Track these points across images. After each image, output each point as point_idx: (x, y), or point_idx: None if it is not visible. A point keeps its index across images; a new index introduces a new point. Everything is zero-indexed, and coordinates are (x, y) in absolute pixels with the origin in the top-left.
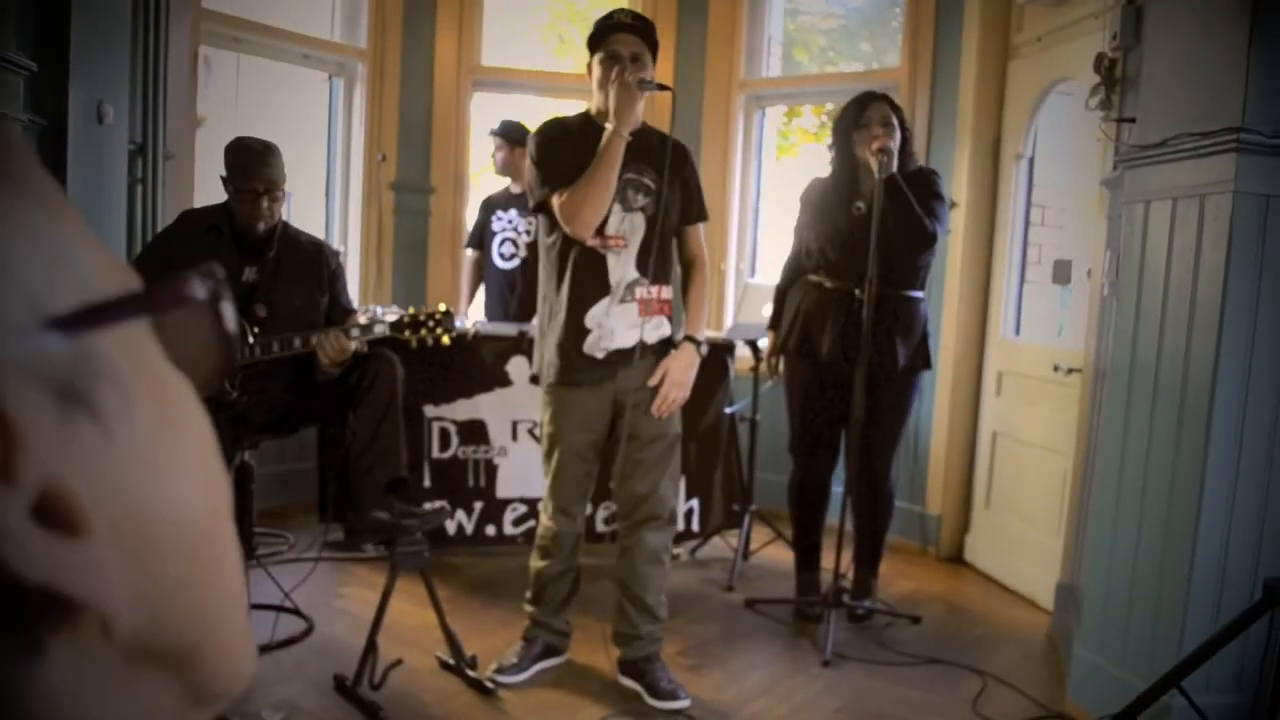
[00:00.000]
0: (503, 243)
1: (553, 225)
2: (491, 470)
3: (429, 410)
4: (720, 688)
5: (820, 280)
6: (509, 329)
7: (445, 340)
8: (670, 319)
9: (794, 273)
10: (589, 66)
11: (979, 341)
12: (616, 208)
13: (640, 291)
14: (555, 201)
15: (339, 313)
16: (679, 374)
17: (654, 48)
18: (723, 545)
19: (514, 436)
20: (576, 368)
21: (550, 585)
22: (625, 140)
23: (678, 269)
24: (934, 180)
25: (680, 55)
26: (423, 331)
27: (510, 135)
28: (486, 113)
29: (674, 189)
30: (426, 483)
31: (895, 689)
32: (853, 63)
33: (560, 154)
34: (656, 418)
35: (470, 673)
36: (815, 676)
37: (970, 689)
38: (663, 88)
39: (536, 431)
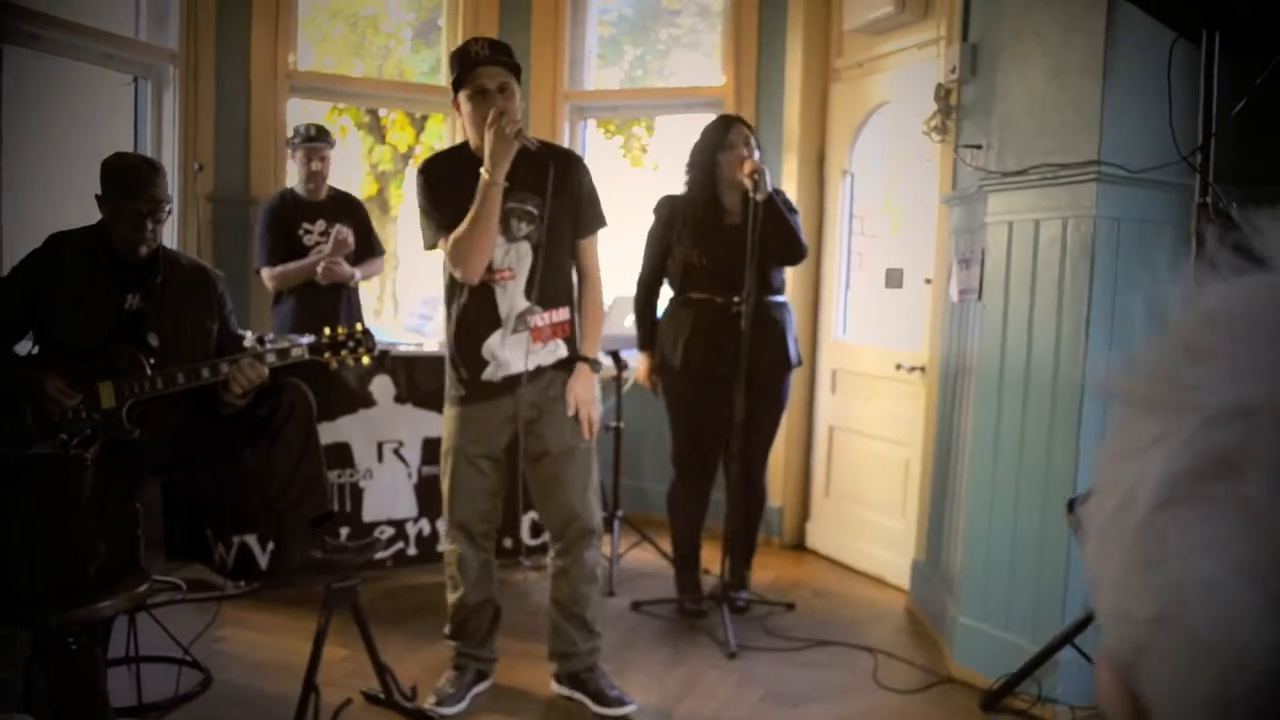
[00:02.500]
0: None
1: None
2: (357, 494)
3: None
4: (647, 690)
5: (696, 296)
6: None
7: (366, 360)
8: (570, 338)
9: (654, 291)
10: (456, 101)
11: (812, 343)
12: (500, 240)
13: (533, 320)
14: (444, 247)
15: (230, 339)
16: (585, 394)
17: (516, 73)
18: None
19: (379, 458)
20: (478, 393)
21: (470, 619)
22: (502, 187)
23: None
24: (788, 201)
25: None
26: (343, 353)
27: (328, 140)
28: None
29: (563, 206)
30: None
31: (801, 672)
32: (658, 77)
33: (444, 195)
34: (571, 431)
35: (411, 704)
36: (728, 669)
37: (865, 664)
38: (543, 144)
39: (403, 451)
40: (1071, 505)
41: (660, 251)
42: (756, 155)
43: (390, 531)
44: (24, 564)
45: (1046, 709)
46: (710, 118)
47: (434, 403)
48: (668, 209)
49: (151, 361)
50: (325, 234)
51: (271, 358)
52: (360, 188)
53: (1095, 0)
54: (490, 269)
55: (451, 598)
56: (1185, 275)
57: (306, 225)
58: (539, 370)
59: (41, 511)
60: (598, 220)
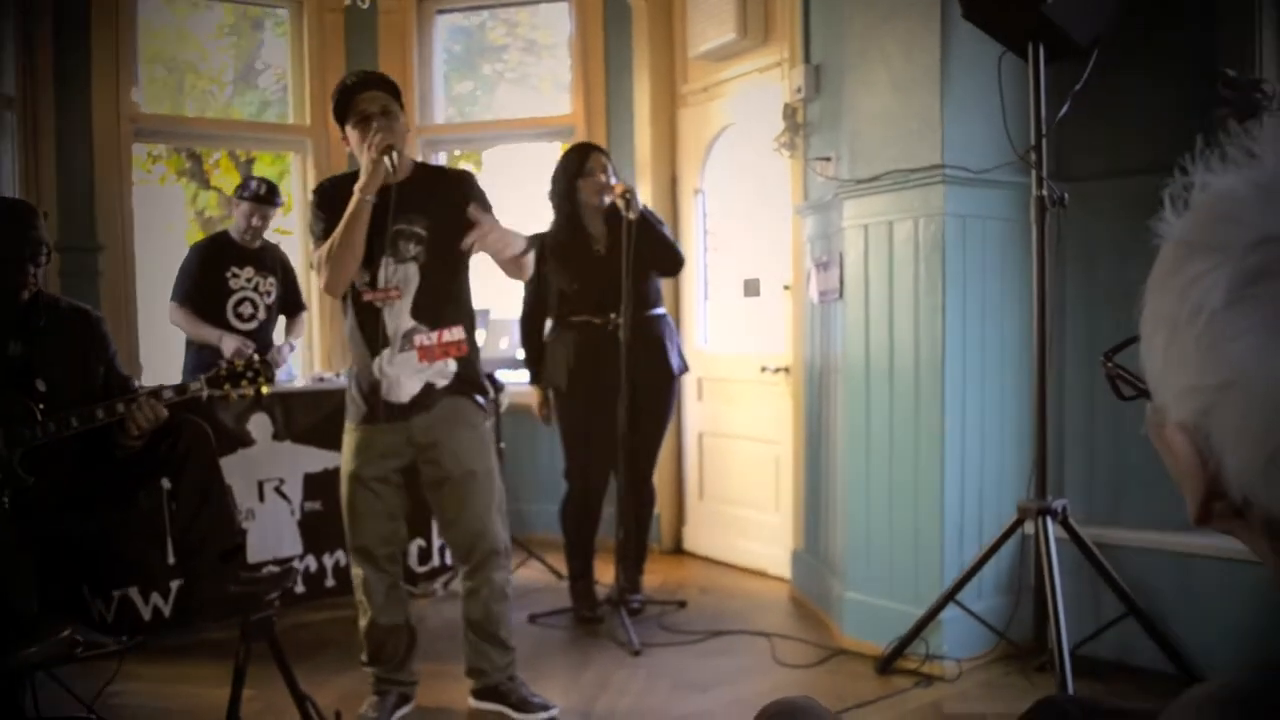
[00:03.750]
0: (240, 302)
1: None
2: (238, 549)
3: (166, 483)
4: (562, 693)
5: (585, 319)
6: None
7: (265, 390)
8: (464, 358)
9: (539, 318)
10: (344, 134)
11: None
12: (388, 260)
13: (419, 339)
14: (315, 253)
15: (118, 380)
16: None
17: (396, 94)
18: None
19: (260, 497)
20: (378, 413)
21: (386, 642)
22: (369, 203)
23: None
24: (653, 215)
25: None
26: (243, 383)
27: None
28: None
29: (452, 226)
30: (170, 559)
31: (704, 661)
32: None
33: (326, 212)
34: (470, 455)
35: None
36: (635, 666)
37: (761, 647)
38: (433, 167)
39: (284, 488)
40: (1108, 355)
41: (536, 286)
42: (614, 180)
43: (276, 571)
44: None
45: (935, 665)
46: (556, 146)
47: (313, 438)
48: (537, 244)
49: (41, 407)
50: (251, 281)
51: (169, 393)
52: (186, 235)
53: (931, 20)
54: (377, 288)
55: (362, 622)
56: (1200, 167)
57: (235, 269)
58: (430, 392)
59: None
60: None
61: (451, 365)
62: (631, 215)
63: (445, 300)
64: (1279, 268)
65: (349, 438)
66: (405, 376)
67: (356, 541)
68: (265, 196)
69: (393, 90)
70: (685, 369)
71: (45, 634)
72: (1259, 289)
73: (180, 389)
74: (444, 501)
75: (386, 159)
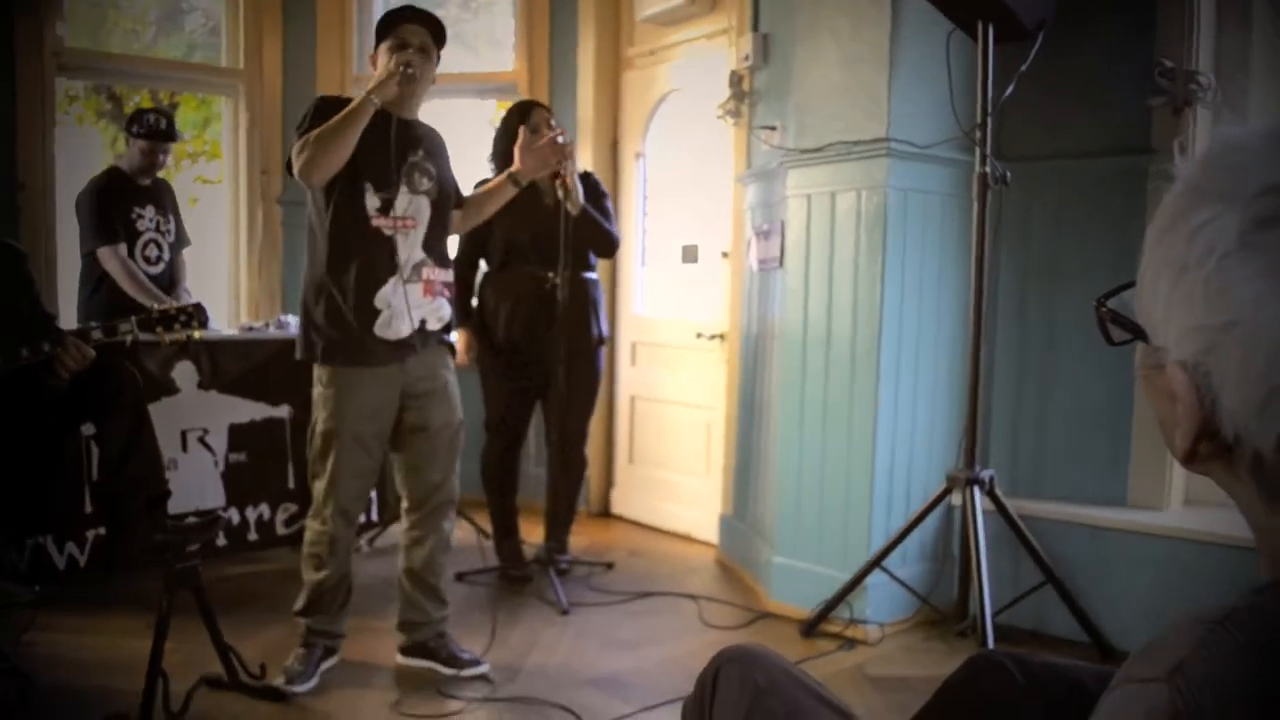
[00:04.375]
0: (147, 244)
1: (333, 205)
2: (163, 496)
3: (86, 428)
4: (491, 651)
5: (521, 269)
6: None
7: (198, 335)
8: (450, 301)
9: (472, 266)
10: (375, 53)
11: (611, 317)
12: (404, 190)
13: (426, 272)
14: (296, 144)
15: (42, 318)
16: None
17: (440, 40)
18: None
19: (184, 447)
20: (366, 348)
21: (324, 597)
22: (374, 105)
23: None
24: (600, 186)
25: (289, 43)
26: (176, 326)
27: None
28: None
29: (448, 172)
30: (88, 508)
31: (632, 620)
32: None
33: (323, 117)
34: (451, 409)
35: (260, 682)
36: (563, 624)
37: (688, 609)
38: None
39: (208, 439)
40: (1101, 301)
41: (477, 233)
42: (562, 138)
43: (202, 519)
44: None
45: (859, 629)
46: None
47: (240, 388)
48: None
49: None
50: (153, 221)
51: (98, 334)
52: None
53: None
54: (392, 215)
55: (314, 577)
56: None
57: (138, 209)
58: (423, 331)
59: None
60: (458, 190)
61: (445, 307)
62: (573, 210)
63: (443, 240)
64: None
65: (331, 389)
66: (408, 309)
67: (340, 503)
68: (166, 131)
69: (439, 34)
70: (604, 337)
71: None
72: (1265, 235)
73: (109, 329)
74: (415, 449)
75: (401, 70)
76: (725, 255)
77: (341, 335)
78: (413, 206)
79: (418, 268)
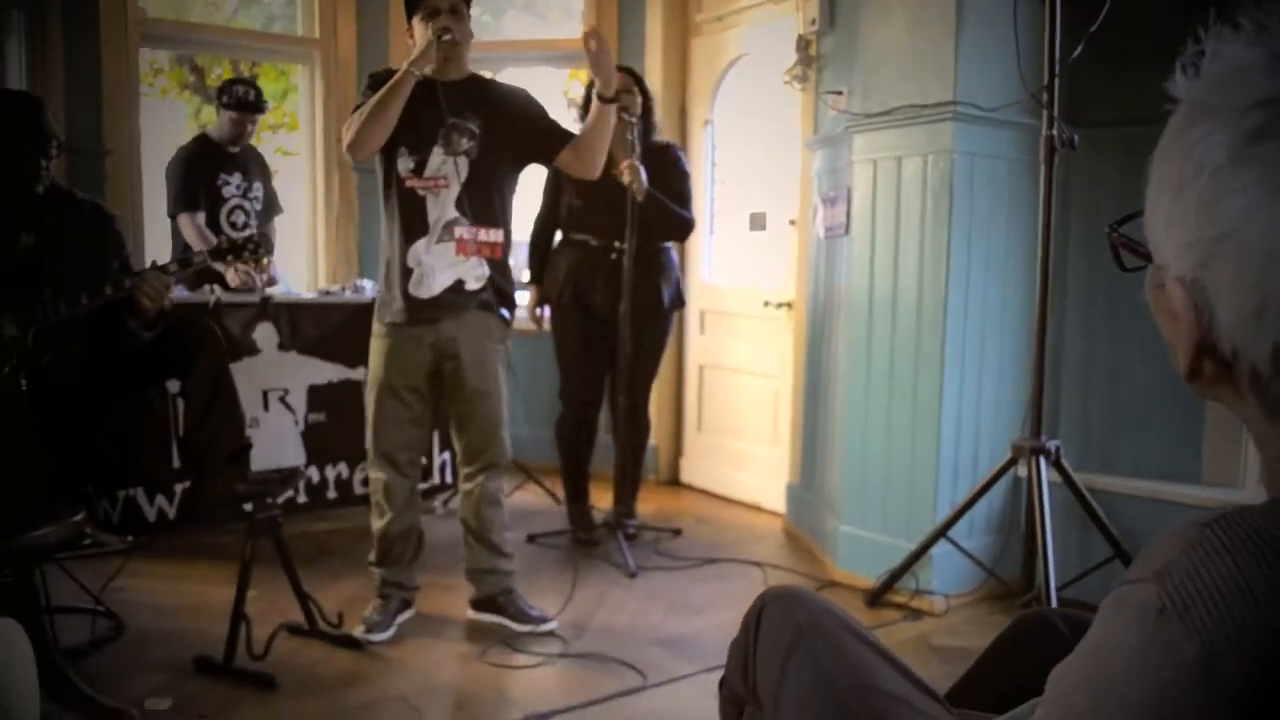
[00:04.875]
0: (233, 210)
1: (381, 171)
2: (244, 449)
3: (172, 387)
4: (559, 608)
5: (583, 238)
6: (252, 296)
7: (265, 262)
8: (497, 263)
9: (546, 230)
10: (410, 28)
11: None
12: (438, 150)
13: (458, 231)
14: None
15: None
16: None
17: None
18: None
19: (265, 406)
20: (405, 308)
21: (395, 545)
22: (415, 77)
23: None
24: (679, 163)
25: (362, 13)
26: (244, 255)
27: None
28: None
29: (504, 130)
30: (175, 463)
31: (699, 585)
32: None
33: (372, 93)
34: (487, 376)
35: (338, 630)
36: (631, 586)
37: (754, 576)
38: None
39: (288, 399)
40: (1114, 226)
41: (553, 195)
42: (638, 104)
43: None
44: None
45: (924, 600)
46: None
47: (318, 350)
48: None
49: (49, 291)
50: (240, 188)
51: (174, 267)
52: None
53: None
54: (422, 175)
55: (378, 524)
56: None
57: (225, 176)
58: (460, 290)
59: None
60: (565, 132)
61: (485, 267)
62: (639, 197)
63: (489, 200)
64: (1274, 129)
65: (377, 342)
66: (440, 268)
67: (380, 447)
68: (253, 103)
69: None
70: (680, 304)
71: (57, 518)
72: (1259, 148)
73: (184, 262)
74: (460, 410)
75: (440, 37)
76: (793, 222)
77: (387, 293)
78: (446, 166)
79: (449, 226)
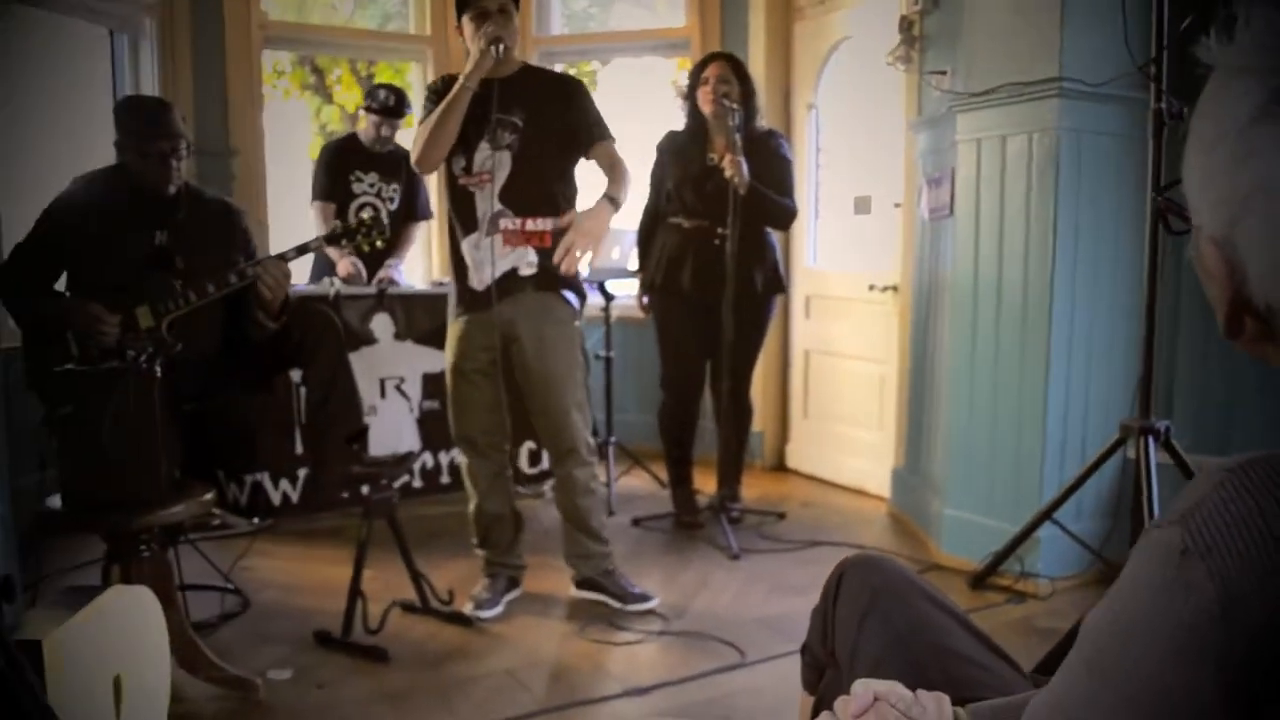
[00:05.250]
0: (362, 207)
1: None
2: (362, 433)
3: (294, 376)
4: (661, 589)
5: (680, 222)
6: (369, 288)
7: (380, 243)
8: (546, 249)
9: (653, 217)
10: (460, 26)
11: (785, 271)
12: (485, 146)
13: (503, 223)
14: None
15: None
16: (589, 223)
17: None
18: None
19: (382, 394)
20: (464, 300)
21: (490, 527)
22: (470, 90)
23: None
24: (780, 149)
25: None
26: (358, 238)
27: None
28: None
29: (549, 121)
30: (298, 449)
31: (801, 568)
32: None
33: (438, 102)
34: (552, 358)
35: (447, 607)
36: (733, 569)
37: None
38: (540, 69)
39: (404, 387)
40: (1160, 191)
41: (659, 181)
42: (736, 90)
43: (397, 455)
44: (103, 473)
45: (1029, 583)
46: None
47: (432, 339)
48: (666, 141)
49: (179, 283)
50: (374, 186)
51: (292, 254)
52: (309, 149)
53: None
54: (470, 172)
55: (470, 506)
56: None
57: (359, 173)
58: (513, 278)
59: (120, 422)
60: (600, 131)
61: (531, 254)
62: (741, 190)
63: (536, 191)
64: None
65: (451, 329)
66: (491, 260)
67: (460, 430)
68: (394, 108)
69: None
70: (775, 290)
71: (190, 497)
72: (1277, 110)
73: (301, 248)
74: (530, 393)
75: (492, 48)
76: (897, 205)
77: (457, 285)
78: (490, 161)
79: (494, 220)
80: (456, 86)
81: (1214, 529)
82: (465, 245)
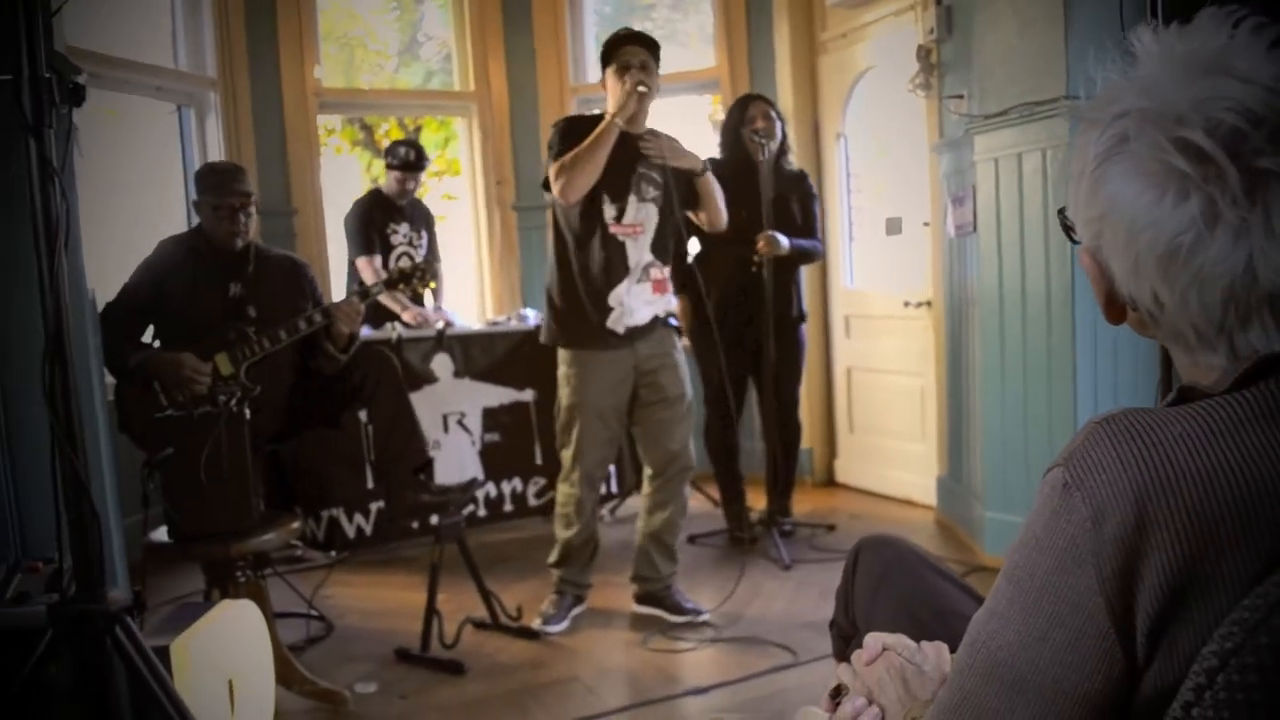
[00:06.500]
0: (400, 256)
1: (580, 214)
2: (428, 463)
3: (362, 415)
4: (717, 600)
5: (727, 251)
6: (429, 330)
7: (432, 285)
8: (668, 295)
9: (701, 248)
10: (604, 79)
11: (823, 293)
12: (633, 199)
13: (654, 273)
14: (552, 168)
15: None
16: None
17: (656, 55)
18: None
19: (445, 429)
20: (602, 337)
21: (576, 552)
22: (619, 127)
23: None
24: (812, 191)
25: (511, 63)
26: (414, 282)
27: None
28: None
29: (679, 184)
30: (369, 484)
31: None
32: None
33: (571, 140)
34: (681, 381)
35: (518, 623)
36: (786, 579)
37: None
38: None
39: (466, 421)
40: (1061, 211)
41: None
42: (777, 130)
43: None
44: (201, 505)
45: None
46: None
47: (490, 375)
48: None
49: (253, 330)
50: (407, 237)
51: (355, 298)
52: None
53: None
54: (623, 223)
55: (564, 534)
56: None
57: (394, 225)
58: (653, 322)
59: (217, 460)
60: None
61: (673, 302)
62: (782, 252)
63: (668, 243)
64: (1133, 132)
65: (572, 369)
66: (639, 305)
67: (585, 467)
68: (415, 163)
69: (654, 51)
70: (803, 315)
71: (279, 526)
72: (1122, 148)
73: (363, 292)
74: (654, 421)
75: (637, 93)
76: (926, 224)
77: (582, 324)
78: (641, 213)
79: (646, 269)
80: (604, 123)
81: (1085, 467)
82: (615, 294)
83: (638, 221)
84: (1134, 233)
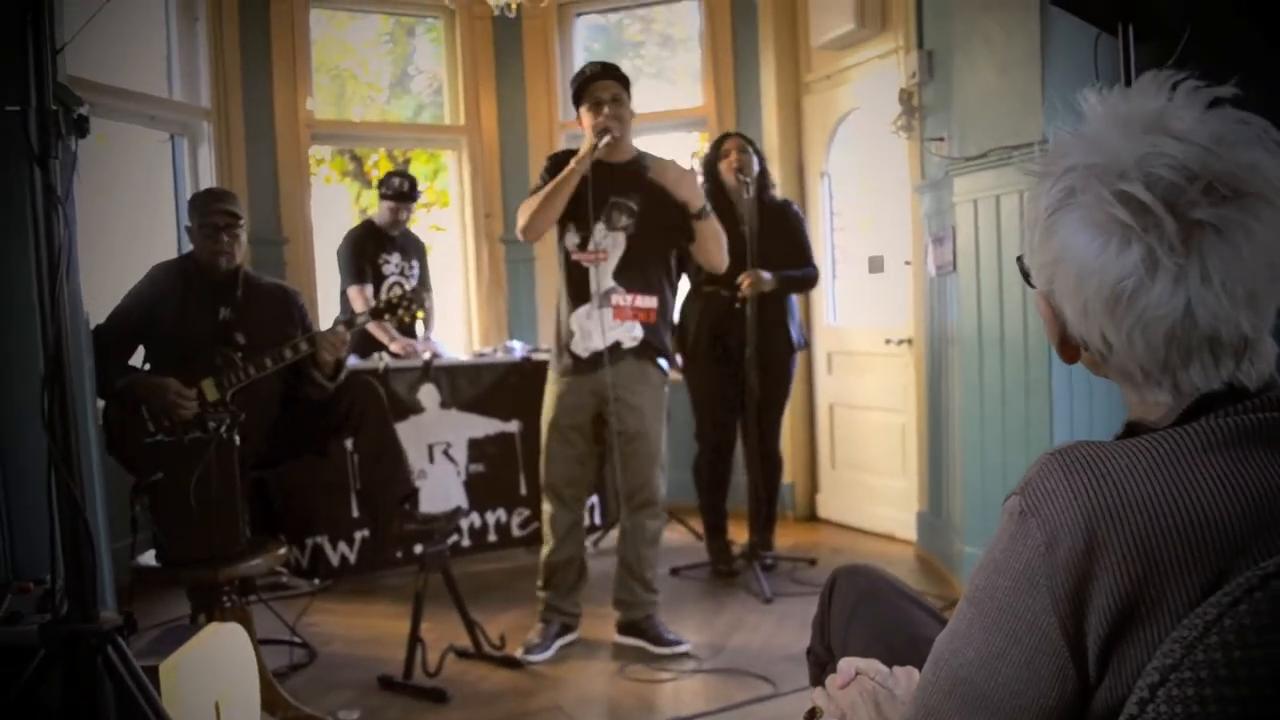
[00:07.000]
0: (392, 286)
1: (556, 240)
2: (412, 494)
3: (348, 444)
4: (698, 632)
5: (715, 290)
6: (416, 360)
7: (420, 315)
8: (651, 325)
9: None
10: (579, 116)
11: (807, 329)
12: (601, 226)
13: (615, 299)
14: (521, 207)
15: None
16: (679, 171)
17: (626, 85)
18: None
19: (430, 459)
20: (565, 363)
21: (557, 572)
22: (579, 173)
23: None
24: (797, 221)
25: (501, 98)
26: (400, 312)
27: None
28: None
29: (658, 206)
30: (354, 513)
31: None
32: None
33: (552, 174)
34: (644, 418)
35: (500, 652)
36: (767, 612)
37: None
38: (648, 155)
39: (451, 452)
40: (1019, 259)
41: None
42: (754, 164)
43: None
44: (190, 530)
45: None
46: (694, 136)
47: (475, 406)
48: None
49: (239, 356)
50: (398, 266)
51: (340, 327)
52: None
53: (1030, 5)
54: (587, 250)
55: (544, 551)
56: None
57: (385, 255)
58: (617, 349)
59: (206, 485)
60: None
61: (639, 329)
62: (769, 288)
63: (645, 271)
64: (1080, 185)
65: (551, 387)
66: (598, 331)
67: (548, 480)
68: (408, 193)
69: (624, 82)
70: (804, 344)
71: (264, 551)
72: (1071, 199)
73: (349, 322)
74: (619, 451)
75: (600, 139)
76: (908, 263)
77: (555, 344)
78: (608, 241)
79: (607, 295)
80: (567, 169)
81: (1039, 495)
82: (576, 315)
83: (602, 249)
84: (1082, 278)
